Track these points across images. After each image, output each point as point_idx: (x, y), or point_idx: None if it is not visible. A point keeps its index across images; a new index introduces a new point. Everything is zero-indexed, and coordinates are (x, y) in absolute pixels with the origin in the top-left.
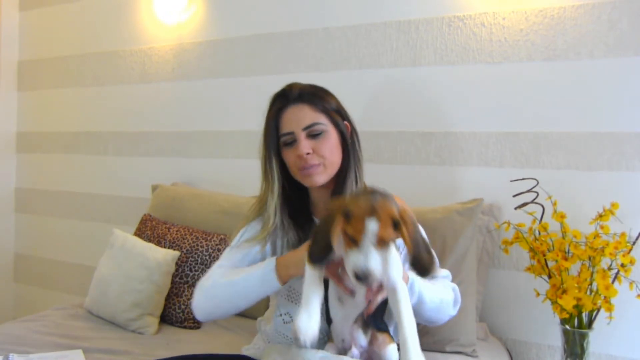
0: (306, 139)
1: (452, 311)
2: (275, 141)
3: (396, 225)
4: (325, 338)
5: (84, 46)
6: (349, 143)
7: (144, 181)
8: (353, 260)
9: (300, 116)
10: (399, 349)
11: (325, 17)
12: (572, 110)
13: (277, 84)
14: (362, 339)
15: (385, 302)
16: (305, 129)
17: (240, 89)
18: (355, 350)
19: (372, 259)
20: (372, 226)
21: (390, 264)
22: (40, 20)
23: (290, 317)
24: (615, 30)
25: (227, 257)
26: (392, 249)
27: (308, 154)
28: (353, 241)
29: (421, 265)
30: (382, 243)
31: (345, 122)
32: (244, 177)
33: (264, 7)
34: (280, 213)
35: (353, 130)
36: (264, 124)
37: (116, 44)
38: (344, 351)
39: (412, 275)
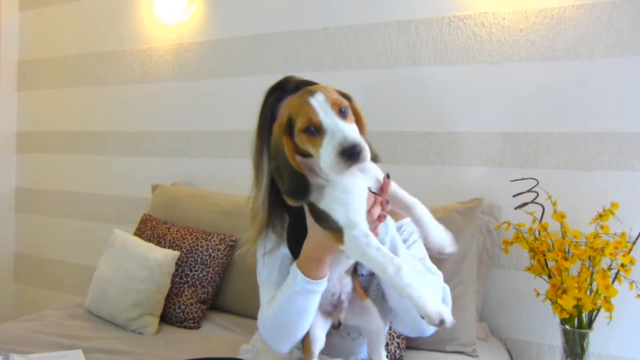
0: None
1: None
2: (270, 132)
3: (342, 95)
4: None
5: (84, 46)
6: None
7: (144, 181)
8: (330, 145)
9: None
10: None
11: (325, 17)
12: (572, 110)
13: None
14: (349, 285)
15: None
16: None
17: (240, 89)
18: (345, 300)
19: (344, 128)
20: (319, 98)
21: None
22: (40, 20)
23: None
24: (615, 30)
25: (267, 281)
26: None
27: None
28: (314, 130)
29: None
30: (340, 109)
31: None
32: (244, 177)
33: (264, 7)
34: (269, 207)
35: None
36: (257, 118)
37: (116, 44)
38: (334, 307)
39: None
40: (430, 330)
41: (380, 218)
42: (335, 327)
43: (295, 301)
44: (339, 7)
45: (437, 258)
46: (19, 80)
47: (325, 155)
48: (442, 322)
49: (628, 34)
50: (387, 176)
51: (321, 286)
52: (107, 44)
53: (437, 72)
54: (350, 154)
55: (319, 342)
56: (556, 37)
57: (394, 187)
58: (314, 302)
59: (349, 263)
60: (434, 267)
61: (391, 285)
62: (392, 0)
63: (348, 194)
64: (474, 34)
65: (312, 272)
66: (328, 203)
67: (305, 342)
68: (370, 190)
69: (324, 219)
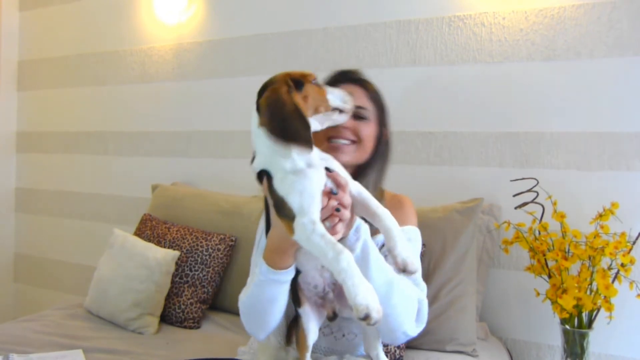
0: (350, 119)
1: (413, 311)
2: None
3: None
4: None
5: (84, 46)
6: (382, 145)
7: (144, 181)
8: (335, 92)
9: (354, 95)
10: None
11: (325, 17)
12: (572, 110)
13: None
14: (331, 275)
15: None
16: (356, 107)
17: (240, 89)
18: (330, 291)
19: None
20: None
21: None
22: (40, 20)
23: None
24: (615, 30)
25: (254, 265)
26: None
27: (346, 128)
28: (317, 83)
29: None
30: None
31: (385, 129)
32: (244, 177)
33: (263, 7)
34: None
35: (389, 138)
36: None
37: (116, 44)
38: (322, 299)
39: (360, 221)
40: (400, 339)
41: (339, 217)
42: (331, 318)
43: (263, 290)
44: (339, 7)
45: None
46: (19, 80)
47: (334, 97)
48: (367, 316)
49: (628, 34)
50: (328, 169)
51: (286, 276)
52: (107, 44)
53: (437, 72)
54: (349, 110)
55: (311, 334)
56: (556, 37)
57: (365, 194)
58: (282, 291)
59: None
60: (421, 283)
61: (331, 270)
62: (392, 0)
63: (305, 183)
64: (474, 34)
65: (275, 262)
66: (286, 189)
67: (299, 336)
68: (327, 186)
69: (280, 207)
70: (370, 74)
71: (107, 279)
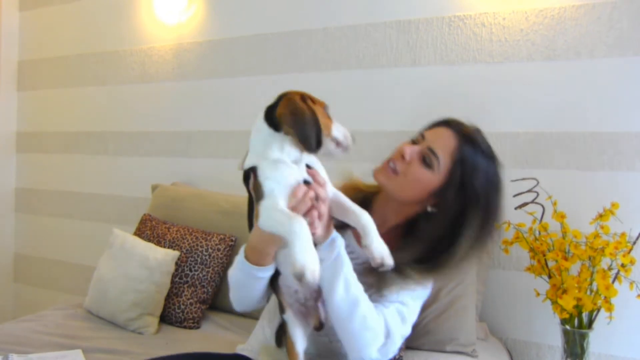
0: (416, 150)
1: (375, 341)
2: None
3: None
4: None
5: (84, 46)
6: (427, 210)
7: (144, 181)
8: (339, 128)
9: (439, 137)
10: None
11: (325, 17)
12: (572, 110)
13: (278, 84)
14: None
15: None
16: (429, 149)
17: (240, 89)
18: (310, 299)
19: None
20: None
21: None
22: (40, 20)
23: None
24: (615, 30)
25: None
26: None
27: (402, 157)
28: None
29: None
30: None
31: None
32: None
33: (263, 7)
34: None
35: (476, 218)
36: None
37: (116, 44)
38: (303, 309)
39: (337, 234)
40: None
41: (317, 210)
42: (318, 328)
43: (241, 277)
44: (339, 7)
45: (379, 270)
46: (19, 80)
47: (337, 131)
48: (301, 274)
49: (628, 34)
50: (308, 166)
51: (263, 273)
52: (107, 44)
53: (437, 72)
54: (346, 147)
55: (299, 341)
56: (556, 37)
57: (339, 195)
58: (259, 284)
59: None
60: (408, 319)
61: (285, 237)
62: (392, 0)
63: (284, 173)
64: (474, 34)
65: (254, 258)
66: (266, 174)
67: (287, 344)
68: (304, 181)
69: (258, 194)
70: (371, 74)
71: (107, 279)
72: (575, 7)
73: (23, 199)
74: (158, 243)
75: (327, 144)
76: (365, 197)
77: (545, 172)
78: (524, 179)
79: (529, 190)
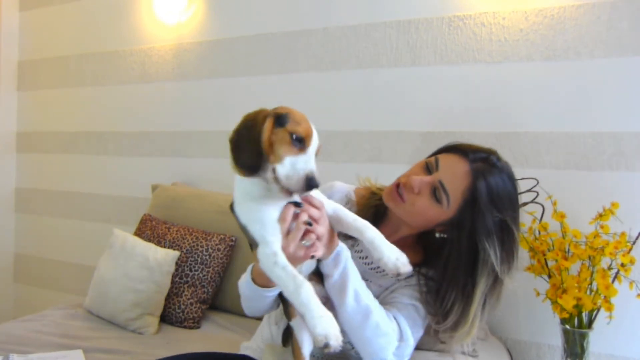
0: (425, 182)
1: (389, 345)
2: None
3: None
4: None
5: (84, 46)
6: (436, 243)
7: (144, 181)
8: (302, 163)
9: (453, 170)
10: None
11: (325, 17)
12: (572, 110)
13: (277, 84)
14: (322, 290)
15: None
16: (440, 183)
17: (240, 89)
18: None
19: (315, 166)
20: (315, 133)
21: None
22: (40, 20)
23: None
24: (615, 30)
25: None
26: None
27: (410, 185)
28: (297, 140)
29: None
30: (317, 154)
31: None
32: None
33: (264, 7)
34: None
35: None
36: None
37: (116, 44)
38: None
39: (342, 246)
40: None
41: (314, 233)
42: None
43: (249, 294)
44: (339, 7)
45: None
46: (19, 80)
47: (290, 167)
48: (326, 345)
49: (628, 34)
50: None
51: (268, 292)
52: (107, 44)
53: (437, 72)
54: (310, 185)
55: (306, 344)
56: (556, 37)
57: (341, 210)
58: (265, 302)
59: (304, 272)
60: (410, 339)
61: (292, 301)
62: (392, 0)
63: (264, 212)
64: (474, 34)
65: (260, 282)
66: (246, 217)
67: (294, 347)
68: (294, 203)
69: (245, 233)
70: (370, 74)
71: (107, 279)
72: (575, 7)
73: (23, 199)
74: (158, 243)
75: (267, 172)
76: (381, 202)
77: (545, 172)
78: (523, 178)
79: (529, 190)
